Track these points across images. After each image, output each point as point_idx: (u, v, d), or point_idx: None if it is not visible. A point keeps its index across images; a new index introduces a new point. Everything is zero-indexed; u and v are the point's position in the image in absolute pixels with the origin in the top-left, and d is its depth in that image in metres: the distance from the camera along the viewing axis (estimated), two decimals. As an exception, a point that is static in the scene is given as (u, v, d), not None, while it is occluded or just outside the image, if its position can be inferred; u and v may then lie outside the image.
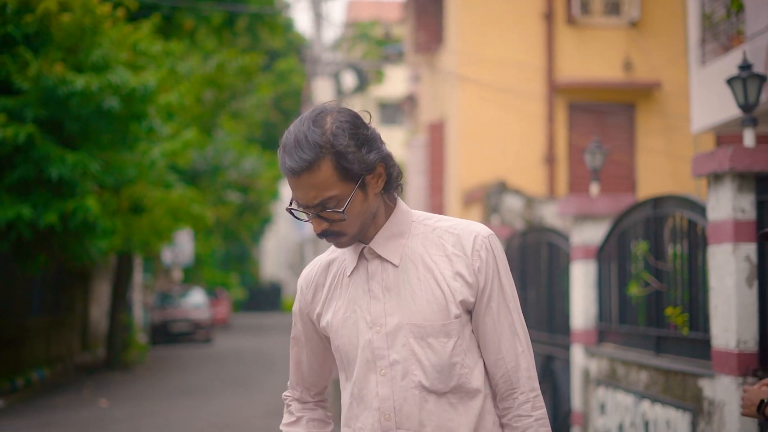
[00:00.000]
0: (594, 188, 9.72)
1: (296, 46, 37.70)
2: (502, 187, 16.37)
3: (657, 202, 7.86)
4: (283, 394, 2.92)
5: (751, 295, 6.03)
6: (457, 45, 17.99)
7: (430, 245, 2.61)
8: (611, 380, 8.54)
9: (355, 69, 15.54)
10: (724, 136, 14.70)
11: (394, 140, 37.38)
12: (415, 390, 2.54)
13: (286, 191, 58.50)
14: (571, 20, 17.82)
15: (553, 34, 17.68)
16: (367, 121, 2.55)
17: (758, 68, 9.04)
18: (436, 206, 19.03)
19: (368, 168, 2.50)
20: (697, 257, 7.08)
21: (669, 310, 7.33)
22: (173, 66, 17.91)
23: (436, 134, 19.03)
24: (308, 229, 20.29)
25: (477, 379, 2.57)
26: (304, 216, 2.57)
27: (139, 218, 17.33)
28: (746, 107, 6.28)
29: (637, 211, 8.29)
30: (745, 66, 6.37)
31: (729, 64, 10.71)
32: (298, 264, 59.75)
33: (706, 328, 6.92)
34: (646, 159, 17.32)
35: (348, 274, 2.66)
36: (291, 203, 2.56)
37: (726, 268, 6.12)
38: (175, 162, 18.00)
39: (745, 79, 6.24)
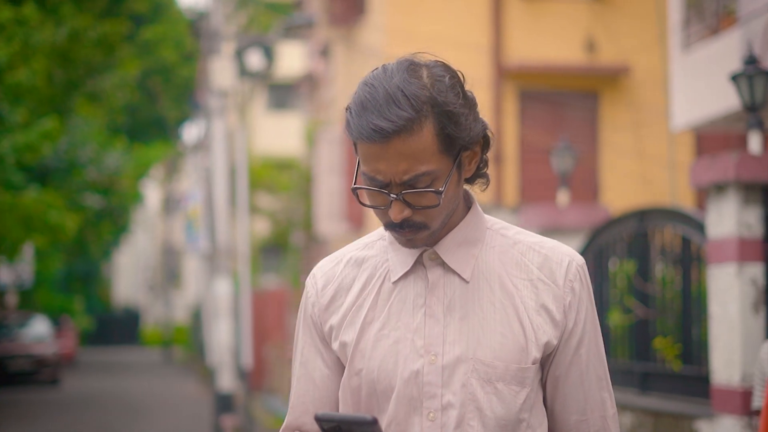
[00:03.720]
0: (563, 197, 10.31)
1: (166, 12, 37.61)
2: (439, 193, 16.81)
3: (643, 214, 8.44)
4: None
5: (758, 323, 6.62)
6: (383, 18, 18.42)
7: (509, 263, 2.52)
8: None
9: (263, 46, 15.87)
10: (707, 135, 15.45)
11: (289, 129, 37.60)
12: None
13: (150, 194, 58.10)
14: (522, -10, 18.35)
15: (501, 8, 18.20)
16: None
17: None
18: (354, 215, 19.48)
19: (472, 140, 2.43)
20: (691, 279, 7.68)
21: (658, 342, 7.90)
22: (27, 38, 17.93)
23: (355, 126, 19.45)
24: (203, 243, 20.39)
25: None
26: (372, 200, 2.45)
27: (-18, 228, 17.36)
28: (752, 107, 6.90)
29: (619, 224, 8.85)
30: (751, 60, 6.98)
31: (718, 49, 11.34)
32: (161, 285, 59.45)
33: (701, 362, 7.52)
34: (611, 159, 17.94)
35: (393, 279, 2.52)
36: (355, 181, 2.43)
37: (729, 292, 6.69)
38: (24, 158, 17.96)
39: (751, 76, 6.85)
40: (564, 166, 10.42)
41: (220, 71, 16.19)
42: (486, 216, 2.59)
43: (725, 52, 10.97)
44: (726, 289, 6.71)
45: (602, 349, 2.56)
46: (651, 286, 8.28)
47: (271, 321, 25.84)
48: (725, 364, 6.73)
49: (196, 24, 20.77)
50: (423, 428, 2.44)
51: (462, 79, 2.44)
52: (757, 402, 4.84)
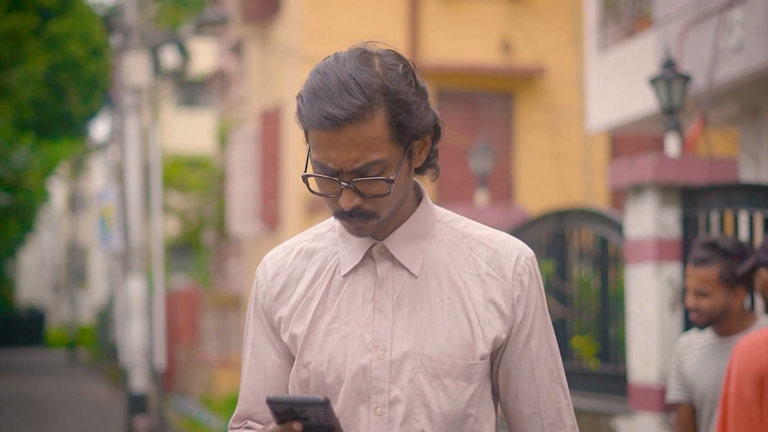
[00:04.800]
0: (481, 197, 10.52)
1: (75, 6, 37.30)
2: (355, 192, 16.92)
3: (561, 215, 8.67)
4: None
5: (675, 323, 6.84)
6: (299, 15, 18.53)
7: (458, 257, 2.56)
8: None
9: (177, 43, 15.84)
10: (621, 137, 15.77)
11: (200, 127, 37.53)
12: None
13: (56, 192, 57.61)
14: (438, -11, 18.56)
15: (418, 7, 18.40)
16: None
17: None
18: (268, 215, 19.54)
19: (424, 129, 2.47)
20: (609, 280, 7.91)
21: (576, 341, 8.12)
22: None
23: (270, 125, 19.53)
24: (116, 242, 20.28)
25: None
26: (323, 188, 2.47)
27: None
28: (670, 110, 7.13)
29: (537, 225, 9.08)
30: (669, 63, 7.22)
31: (634, 51, 11.61)
32: (66, 285, 58.94)
33: (618, 361, 7.75)
34: (526, 160, 18.22)
35: (343, 273, 2.56)
36: (306, 168, 2.47)
37: (646, 292, 6.91)
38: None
39: (669, 80, 7.09)
40: (482, 166, 10.63)
41: (135, 68, 16.15)
42: (436, 207, 2.63)
43: (640, 55, 11.23)
44: (643, 289, 6.92)
45: (554, 342, 2.61)
46: (569, 286, 8.51)
47: (182, 322, 25.79)
48: (642, 362, 6.94)
49: (108, 19, 20.66)
50: (370, 422, 2.49)
51: (414, 68, 2.48)
52: (671, 395, 5.02)
